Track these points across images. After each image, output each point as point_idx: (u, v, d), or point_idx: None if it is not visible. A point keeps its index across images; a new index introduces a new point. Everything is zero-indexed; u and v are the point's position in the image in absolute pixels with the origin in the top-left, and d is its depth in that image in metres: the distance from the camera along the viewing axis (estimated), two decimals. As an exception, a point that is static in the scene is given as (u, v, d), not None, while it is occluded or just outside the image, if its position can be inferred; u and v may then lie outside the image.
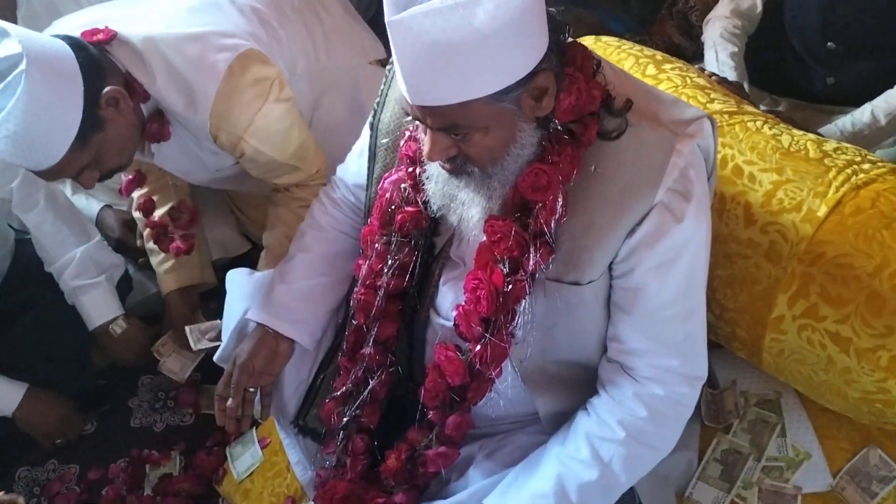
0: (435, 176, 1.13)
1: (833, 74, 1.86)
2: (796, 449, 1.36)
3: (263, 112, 1.55)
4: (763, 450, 1.36)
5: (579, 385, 1.21)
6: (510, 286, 1.09)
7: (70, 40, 1.39)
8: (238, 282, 1.51)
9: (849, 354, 1.21)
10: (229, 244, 2.05)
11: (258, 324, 1.36)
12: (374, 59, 1.99)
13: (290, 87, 1.70)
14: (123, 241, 1.96)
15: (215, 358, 1.47)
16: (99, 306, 1.77)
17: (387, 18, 0.93)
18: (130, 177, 1.83)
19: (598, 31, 2.55)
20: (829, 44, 1.81)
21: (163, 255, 1.87)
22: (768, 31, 1.93)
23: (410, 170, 1.19)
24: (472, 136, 1.01)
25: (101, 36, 1.44)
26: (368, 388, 1.28)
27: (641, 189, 1.05)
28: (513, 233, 1.07)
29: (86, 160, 1.41)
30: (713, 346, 1.51)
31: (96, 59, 1.41)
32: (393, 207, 1.22)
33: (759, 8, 1.89)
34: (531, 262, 1.08)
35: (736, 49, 1.88)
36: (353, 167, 1.40)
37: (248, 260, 1.97)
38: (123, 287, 1.87)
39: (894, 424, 1.28)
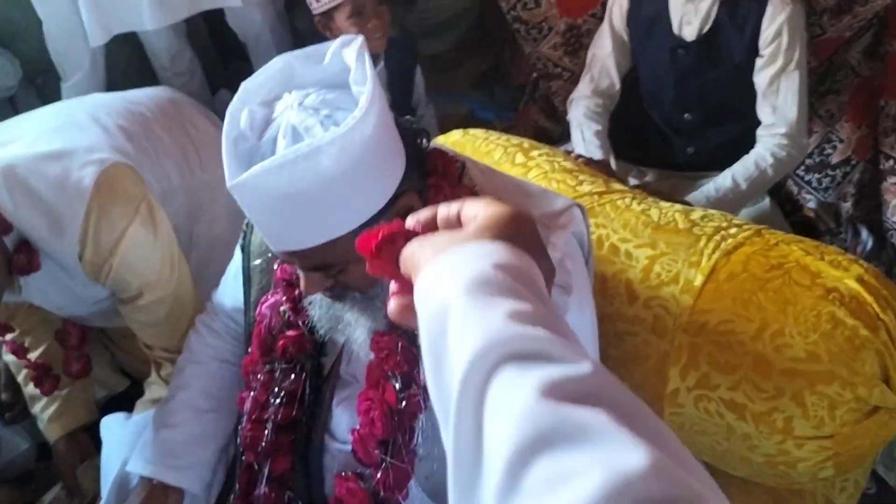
0: (318, 301, 1.08)
1: (692, 144, 1.95)
2: (713, 520, 1.34)
3: (130, 232, 1.46)
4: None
5: None
6: (404, 402, 1.05)
7: None
8: (114, 429, 1.40)
9: (746, 420, 1.22)
10: (106, 382, 1.91)
11: (143, 476, 1.25)
12: None
13: (167, 203, 1.62)
14: (-13, 397, 1.79)
15: (95, 518, 1.34)
16: None
17: (228, 184, 0.90)
18: None
19: (467, 121, 2.64)
20: (685, 115, 1.91)
21: (44, 400, 1.71)
22: (629, 106, 2.02)
23: (288, 291, 1.14)
24: (346, 268, 0.98)
25: None
26: (267, 529, 1.19)
27: None
28: (399, 347, 1.03)
29: None
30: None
31: None
32: (273, 333, 1.16)
33: (618, 86, 1.98)
34: (422, 376, 1.04)
35: (600, 127, 1.96)
36: (230, 290, 1.34)
37: (128, 397, 1.84)
38: (-12, 449, 1.70)
39: (800, 484, 1.29)
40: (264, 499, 1.18)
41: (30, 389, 1.73)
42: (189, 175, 1.80)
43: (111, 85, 2.22)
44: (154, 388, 1.58)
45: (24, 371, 1.73)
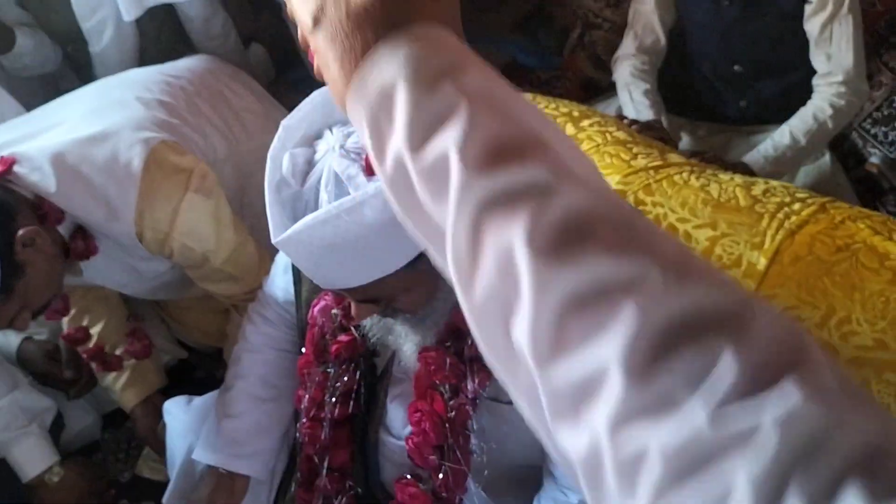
0: None
1: (744, 97, 1.86)
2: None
3: (186, 202, 1.47)
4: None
5: (539, 482, 1.18)
6: (454, 412, 1.05)
7: None
8: (177, 414, 1.43)
9: (810, 408, 1.19)
10: (165, 354, 1.95)
11: (209, 465, 1.29)
12: None
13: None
14: (49, 373, 1.83)
15: (164, 501, 1.38)
16: (32, 457, 1.64)
17: (274, 240, 0.89)
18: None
19: (509, 69, 2.55)
20: (735, 67, 1.82)
21: (114, 372, 1.76)
22: (677, 61, 1.93)
23: (338, 299, 1.13)
24: (395, 298, 0.98)
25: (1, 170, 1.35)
26: (330, 515, 1.22)
27: None
28: (447, 363, 1.03)
29: (14, 308, 1.31)
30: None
31: (3, 207, 1.31)
32: (326, 337, 1.16)
33: (663, 41, 1.89)
34: (470, 388, 1.04)
35: (648, 86, 1.88)
36: (280, 283, 1.33)
37: (190, 366, 1.90)
38: (56, 427, 1.75)
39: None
40: (325, 487, 1.20)
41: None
42: (235, 144, 1.79)
43: (144, 52, 2.19)
44: None
45: (93, 337, 1.77)
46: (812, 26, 1.68)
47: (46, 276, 1.35)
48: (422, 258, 0.93)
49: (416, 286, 0.97)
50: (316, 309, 1.17)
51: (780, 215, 1.28)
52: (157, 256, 1.52)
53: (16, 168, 1.36)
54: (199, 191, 1.49)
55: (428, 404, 1.05)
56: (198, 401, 1.45)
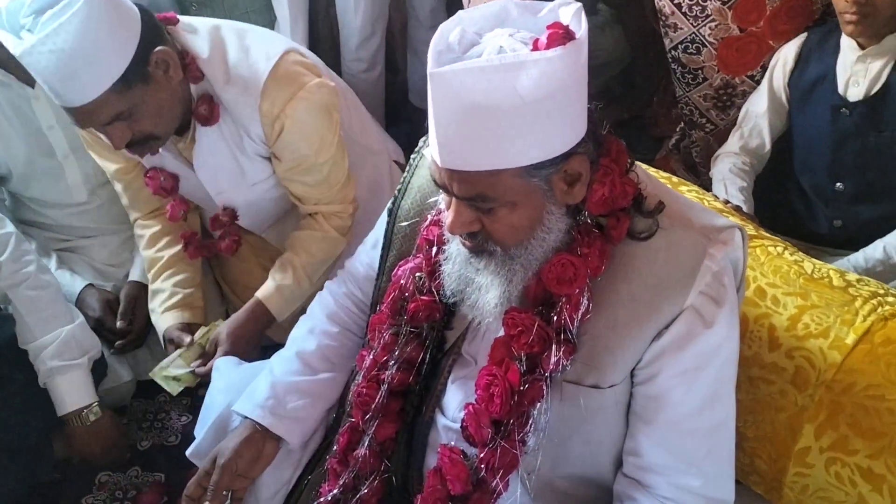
0: (454, 256, 1.07)
1: (840, 217, 1.85)
2: None
3: (308, 88, 1.57)
4: None
5: None
6: (526, 385, 1.01)
7: (140, 6, 1.45)
8: (225, 371, 1.41)
9: (882, 493, 1.13)
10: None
11: (245, 419, 1.25)
12: (397, 158, 2.06)
13: None
14: (103, 321, 1.84)
15: (188, 452, 1.34)
16: (75, 390, 1.64)
17: (429, 70, 0.91)
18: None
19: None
20: (837, 184, 1.81)
21: (167, 293, 1.75)
22: (776, 170, 1.95)
23: (428, 255, 1.13)
24: (498, 210, 0.96)
25: (167, 16, 1.53)
26: (358, 495, 1.16)
27: (672, 290, 1.00)
28: (536, 327, 1.00)
29: (122, 107, 1.41)
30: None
31: (158, 26, 1.47)
32: (406, 296, 1.15)
33: (768, 146, 1.92)
34: (552, 361, 1.00)
35: (745, 184, 1.89)
36: (365, 258, 1.34)
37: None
38: (98, 372, 1.74)
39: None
40: (362, 462, 1.16)
41: (156, 285, 1.78)
42: (349, 130, 1.87)
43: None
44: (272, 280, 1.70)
45: (162, 259, 1.79)
46: None
47: (161, 106, 1.48)
48: (542, 172, 0.93)
49: (523, 204, 0.96)
50: (402, 268, 1.17)
51: (874, 301, 1.26)
52: (262, 153, 1.63)
53: (178, 26, 1.54)
54: (320, 86, 1.60)
55: (502, 371, 1.02)
56: (248, 364, 1.43)
